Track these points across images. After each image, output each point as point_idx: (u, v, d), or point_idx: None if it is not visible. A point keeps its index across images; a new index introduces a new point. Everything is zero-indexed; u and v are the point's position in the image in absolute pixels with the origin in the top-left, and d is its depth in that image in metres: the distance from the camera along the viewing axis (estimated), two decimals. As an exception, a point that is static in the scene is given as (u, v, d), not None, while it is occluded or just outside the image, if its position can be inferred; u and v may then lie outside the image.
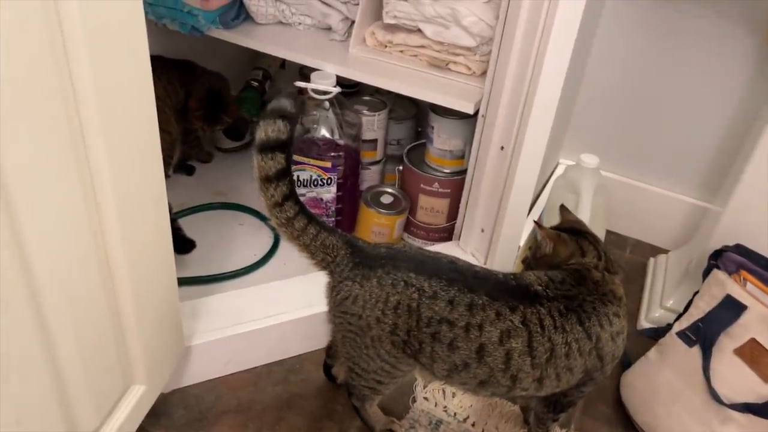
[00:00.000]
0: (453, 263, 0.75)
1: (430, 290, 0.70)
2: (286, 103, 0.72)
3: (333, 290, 0.75)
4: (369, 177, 1.31)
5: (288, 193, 0.73)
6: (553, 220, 1.11)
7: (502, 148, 1.00)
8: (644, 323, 1.15)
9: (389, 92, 1.31)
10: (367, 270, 0.72)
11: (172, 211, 1.11)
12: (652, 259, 1.30)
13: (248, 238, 1.23)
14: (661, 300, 1.15)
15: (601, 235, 1.10)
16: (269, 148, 0.71)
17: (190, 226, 1.23)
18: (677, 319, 0.95)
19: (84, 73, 0.54)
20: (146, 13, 1.18)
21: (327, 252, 0.74)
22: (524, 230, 1.09)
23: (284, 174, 0.72)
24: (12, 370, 0.54)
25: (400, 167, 1.25)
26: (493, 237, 1.07)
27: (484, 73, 1.05)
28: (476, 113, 1.03)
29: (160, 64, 1.22)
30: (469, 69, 1.07)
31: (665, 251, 1.31)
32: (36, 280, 0.54)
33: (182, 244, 1.11)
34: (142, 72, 0.64)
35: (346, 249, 0.74)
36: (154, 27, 1.22)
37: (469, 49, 1.05)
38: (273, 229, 1.25)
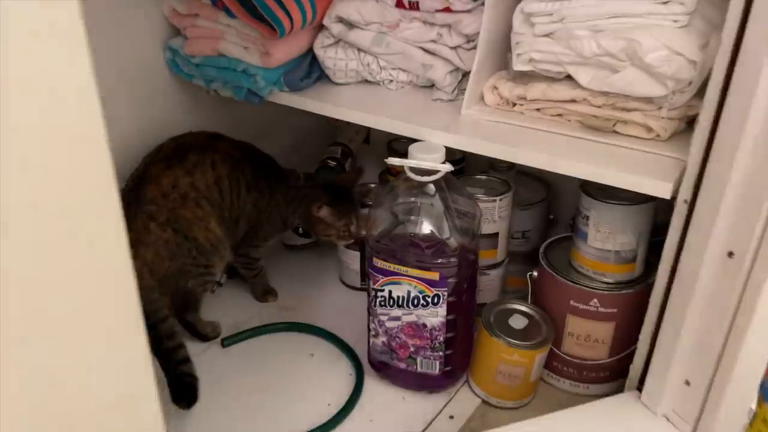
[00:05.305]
0: None
1: None
2: None
3: None
4: (486, 286, 0.94)
5: None
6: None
7: (730, 254, 0.61)
8: None
9: (508, 168, 0.97)
10: None
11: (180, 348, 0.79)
12: None
13: (321, 376, 0.88)
14: None
15: None
16: None
17: (241, 355, 0.91)
18: None
19: None
20: (192, 77, 0.92)
21: None
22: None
23: None
24: None
25: (534, 273, 0.87)
26: (710, 395, 0.66)
27: (673, 135, 0.69)
28: (672, 198, 0.66)
29: (245, 152, 0.92)
30: (650, 130, 0.70)
31: None
32: None
33: (182, 394, 0.78)
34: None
35: None
36: (206, 96, 0.94)
37: (650, 100, 0.69)
38: (355, 361, 0.89)
